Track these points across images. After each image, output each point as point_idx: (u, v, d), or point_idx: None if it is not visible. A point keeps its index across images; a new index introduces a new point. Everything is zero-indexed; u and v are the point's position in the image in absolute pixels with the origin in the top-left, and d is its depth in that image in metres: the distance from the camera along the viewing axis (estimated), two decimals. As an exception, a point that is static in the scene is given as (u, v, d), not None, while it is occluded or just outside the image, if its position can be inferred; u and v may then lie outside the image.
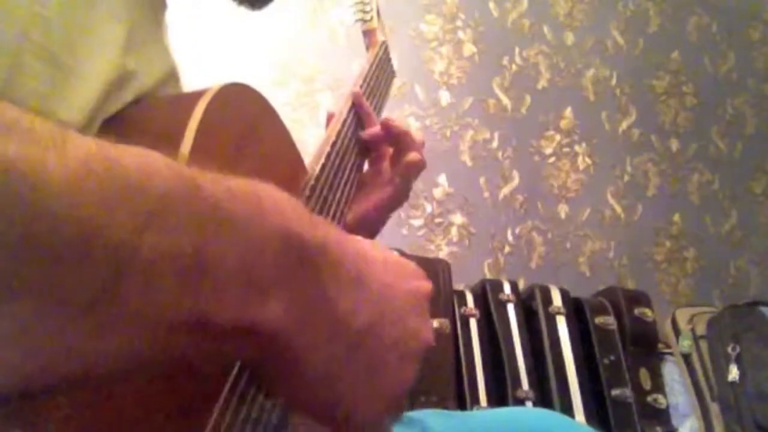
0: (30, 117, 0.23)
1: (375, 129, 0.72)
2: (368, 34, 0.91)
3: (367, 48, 0.90)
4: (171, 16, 0.57)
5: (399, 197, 0.75)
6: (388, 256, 0.40)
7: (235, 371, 0.37)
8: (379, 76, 0.83)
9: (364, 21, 0.91)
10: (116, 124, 0.40)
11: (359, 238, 0.39)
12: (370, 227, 0.74)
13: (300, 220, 0.33)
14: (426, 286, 0.42)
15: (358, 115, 0.72)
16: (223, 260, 0.28)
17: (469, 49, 2.15)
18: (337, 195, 0.61)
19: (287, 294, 0.31)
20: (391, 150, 0.75)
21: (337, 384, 0.35)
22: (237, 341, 0.30)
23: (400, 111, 2.03)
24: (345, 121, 0.68)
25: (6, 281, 0.22)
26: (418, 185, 2.00)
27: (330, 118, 0.71)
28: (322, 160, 0.59)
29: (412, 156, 0.72)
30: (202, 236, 0.27)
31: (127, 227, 0.24)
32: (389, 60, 0.90)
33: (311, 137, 1.88)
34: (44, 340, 0.23)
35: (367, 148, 0.73)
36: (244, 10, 0.64)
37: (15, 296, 0.22)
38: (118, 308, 0.24)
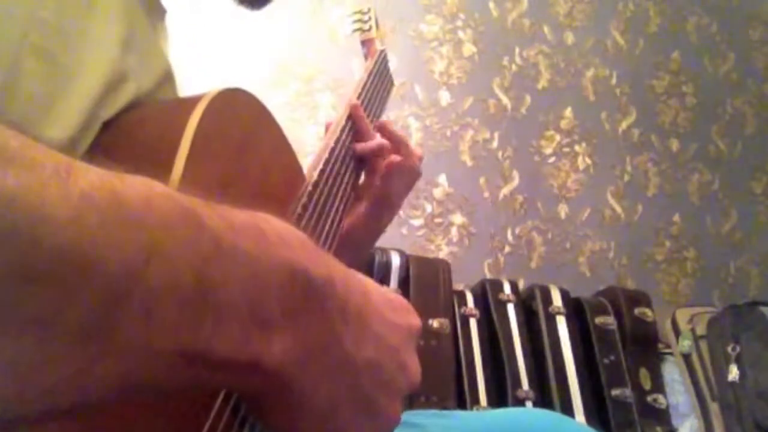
0: (33, 147, 0.23)
1: (370, 144, 0.72)
2: (367, 43, 0.92)
3: (366, 57, 0.91)
4: (170, 17, 0.56)
5: (386, 205, 0.74)
6: (383, 290, 0.40)
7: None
8: (378, 86, 0.83)
9: (363, 31, 0.91)
10: (113, 133, 0.40)
11: (359, 274, 0.38)
12: (362, 240, 0.74)
13: (305, 253, 0.32)
14: (417, 322, 0.41)
15: (355, 125, 0.72)
16: (226, 294, 0.28)
17: (469, 49, 2.15)
18: (336, 202, 0.60)
19: (292, 329, 0.31)
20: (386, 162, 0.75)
21: (336, 421, 0.34)
22: (238, 375, 0.30)
23: (400, 111, 2.03)
24: (344, 128, 0.68)
25: (4, 313, 0.21)
26: (418, 185, 1.99)
27: (329, 126, 0.71)
28: (321, 167, 0.59)
29: (395, 158, 0.72)
30: (204, 269, 0.27)
31: (128, 260, 0.24)
32: (388, 69, 0.91)
33: (310, 137, 1.88)
34: (42, 370, 0.23)
35: (362, 160, 0.73)
36: (243, 10, 0.64)
37: (14, 327, 0.22)
38: (118, 339, 0.24)
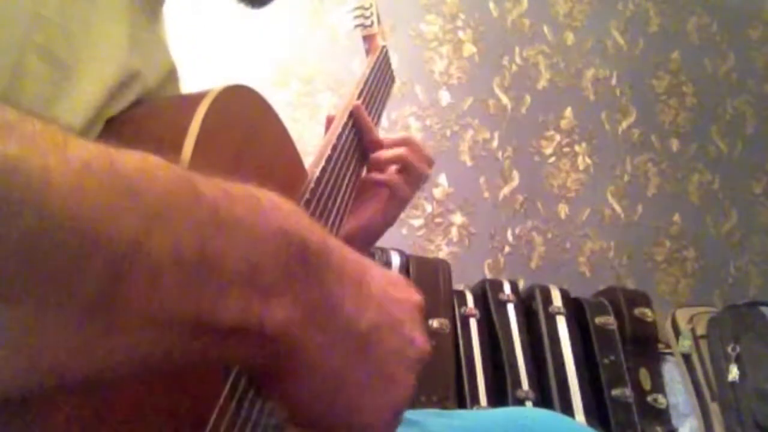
0: (31, 120, 0.23)
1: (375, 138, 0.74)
2: (368, 39, 0.91)
3: (367, 53, 0.90)
4: (171, 16, 0.57)
5: (393, 204, 0.75)
6: (380, 267, 0.40)
7: (233, 375, 0.37)
8: (379, 82, 0.83)
9: (365, 26, 0.91)
10: (117, 128, 0.40)
11: (354, 250, 0.39)
12: (367, 235, 0.74)
13: (300, 221, 0.33)
14: (418, 297, 0.41)
15: (357, 124, 0.72)
16: (226, 260, 0.28)
17: (469, 49, 2.15)
18: (338, 199, 0.61)
19: (292, 294, 0.31)
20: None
21: (345, 393, 0.34)
22: (244, 343, 0.30)
23: (400, 111, 2.03)
24: (346, 124, 0.68)
25: (9, 283, 0.21)
26: (418, 185, 2.00)
27: (330, 121, 0.71)
28: (323, 164, 0.59)
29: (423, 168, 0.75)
30: (204, 236, 0.27)
31: (129, 228, 0.24)
32: (389, 65, 0.91)
33: (311, 137, 1.88)
34: (49, 342, 0.23)
35: (365, 155, 0.73)
36: (244, 10, 0.64)
37: (19, 298, 0.22)
38: (123, 308, 0.24)
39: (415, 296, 0.41)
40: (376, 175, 0.74)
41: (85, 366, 0.24)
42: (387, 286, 0.38)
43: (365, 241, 0.75)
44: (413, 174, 0.75)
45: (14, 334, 0.22)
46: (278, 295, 0.30)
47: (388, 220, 0.76)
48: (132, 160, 0.26)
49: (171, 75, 0.50)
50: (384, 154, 0.74)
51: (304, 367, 0.32)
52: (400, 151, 0.74)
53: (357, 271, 0.36)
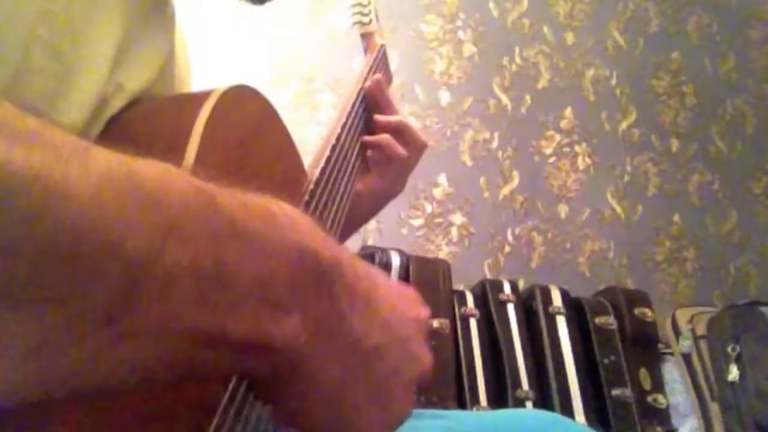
0: (51, 128, 0.24)
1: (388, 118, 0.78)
2: (366, 37, 0.91)
3: (365, 51, 0.90)
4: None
5: (389, 185, 0.79)
6: (391, 281, 0.40)
7: (233, 381, 0.37)
8: None
9: (362, 24, 0.91)
10: (120, 128, 0.40)
11: (367, 263, 0.39)
12: (374, 199, 0.78)
13: (314, 237, 0.33)
14: (425, 313, 0.42)
15: (366, 111, 0.75)
16: (240, 274, 0.28)
17: (469, 49, 2.15)
18: (337, 199, 0.61)
19: (303, 310, 0.31)
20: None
21: (345, 407, 0.34)
22: (253, 357, 0.30)
23: (399, 111, 2.03)
24: (345, 125, 0.68)
25: (27, 292, 0.21)
26: (418, 185, 2.00)
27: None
28: (322, 164, 0.59)
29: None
30: (219, 250, 0.27)
31: (147, 239, 0.24)
32: (387, 64, 0.90)
33: (311, 137, 1.88)
34: (64, 352, 0.23)
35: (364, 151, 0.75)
36: (243, 9, 0.64)
37: (36, 307, 0.22)
38: (138, 319, 0.24)
39: (422, 312, 0.41)
40: (368, 138, 0.77)
41: (95, 376, 0.24)
42: (395, 302, 0.38)
43: (372, 205, 0.78)
44: (410, 139, 0.79)
45: (31, 342, 0.22)
46: (289, 310, 0.30)
47: (388, 186, 0.78)
48: (151, 171, 0.26)
49: (163, 73, 0.49)
50: (386, 117, 0.79)
51: (306, 381, 0.32)
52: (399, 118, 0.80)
53: (367, 288, 0.36)
